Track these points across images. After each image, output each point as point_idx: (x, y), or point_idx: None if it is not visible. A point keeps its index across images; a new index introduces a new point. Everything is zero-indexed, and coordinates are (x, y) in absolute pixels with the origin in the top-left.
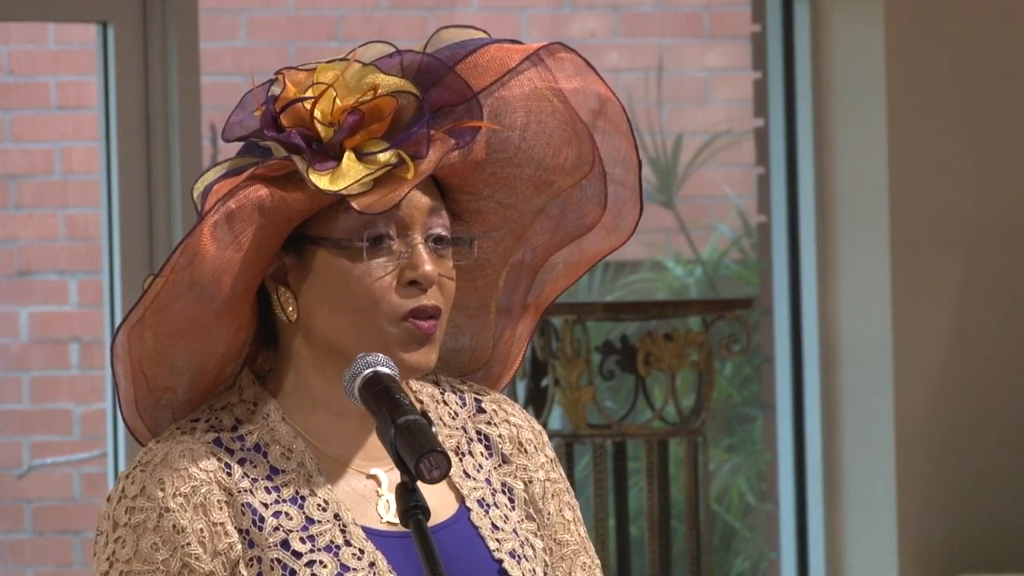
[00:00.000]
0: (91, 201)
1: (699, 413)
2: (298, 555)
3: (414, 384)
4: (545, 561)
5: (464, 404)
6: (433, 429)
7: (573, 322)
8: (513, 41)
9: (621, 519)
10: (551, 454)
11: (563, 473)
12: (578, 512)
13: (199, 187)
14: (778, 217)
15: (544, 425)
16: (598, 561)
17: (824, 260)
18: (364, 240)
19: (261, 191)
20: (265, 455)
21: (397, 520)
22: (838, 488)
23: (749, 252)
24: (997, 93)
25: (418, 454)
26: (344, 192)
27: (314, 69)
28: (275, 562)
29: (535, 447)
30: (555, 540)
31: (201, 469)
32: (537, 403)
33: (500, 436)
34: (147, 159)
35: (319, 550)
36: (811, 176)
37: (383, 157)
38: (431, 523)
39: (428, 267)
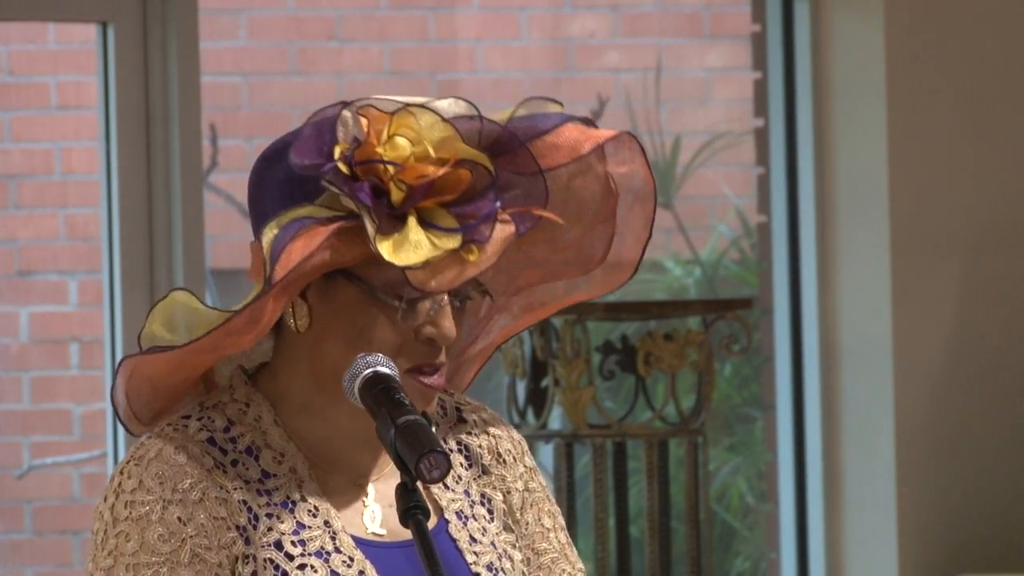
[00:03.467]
0: (91, 201)
1: (699, 413)
2: (290, 557)
3: None
4: (524, 572)
5: (445, 414)
6: (432, 429)
7: (573, 322)
8: (587, 121)
9: (621, 519)
10: (531, 463)
11: (543, 482)
12: (559, 520)
13: (271, 233)
14: (778, 217)
15: (544, 425)
16: (581, 566)
17: (824, 260)
18: (402, 302)
19: (325, 255)
20: (257, 458)
21: (383, 531)
22: (838, 488)
23: (748, 252)
24: (997, 93)
25: (418, 454)
26: (404, 265)
27: (392, 112)
28: (268, 562)
29: (514, 457)
30: (533, 550)
31: (197, 467)
32: (537, 403)
33: (480, 447)
34: (147, 159)
35: (310, 555)
36: (811, 176)
37: (449, 243)
38: (408, 535)
39: (452, 333)
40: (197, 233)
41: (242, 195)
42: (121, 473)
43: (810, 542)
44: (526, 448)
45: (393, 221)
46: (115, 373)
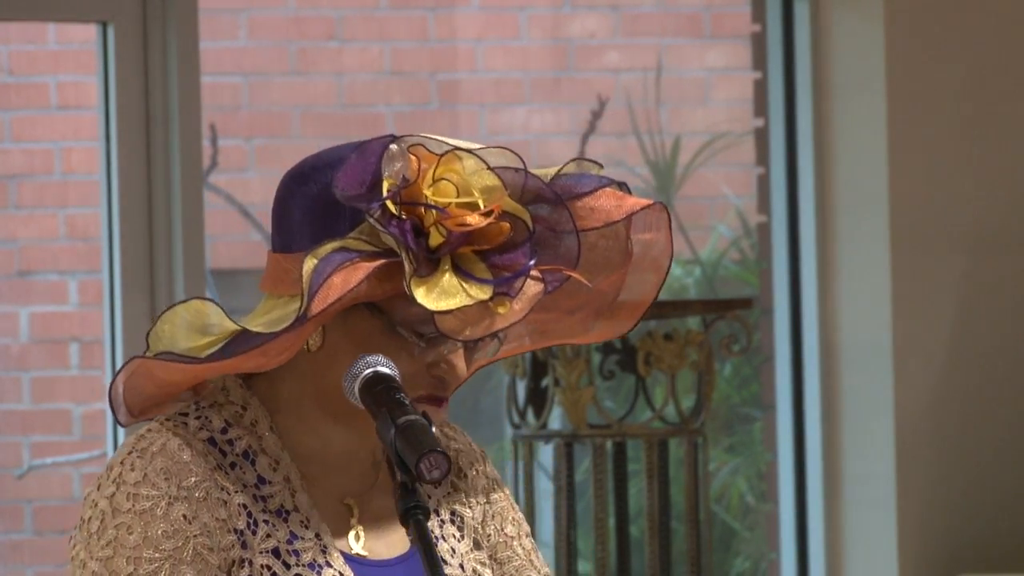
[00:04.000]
0: (91, 201)
1: (699, 413)
2: (287, 566)
3: None
4: None
5: None
6: (432, 429)
7: None
8: (622, 186)
9: (621, 519)
10: (492, 474)
11: (507, 492)
12: (524, 527)
13: (311, 263)
14: (778, 217)
15: (544, 425)
16: (547, 571)
17: (824, 260)
18: (422, 341)
19: (361, 287)
20: (253, 463)
21: (365, 552)
22: (838, 488)
23: (748, 252)
24: (997, 93)
25: (418, 454)
26: (435, 310)
27: (440, 154)
28: (265, 568)
29: (476, 471)
30: (496, 559)
31: (200, 466)
32: (537, 403)
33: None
34: (147, 159)
35: (303, 566)
36: (811, 176)
37: (481, 294)
38: (389, 555)
39: (464, 373)
40: (197, 233)
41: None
42: (122, 464)
43: (810, 542)
44: (487, 459)
45: (428, 264)
46: (122, 368)
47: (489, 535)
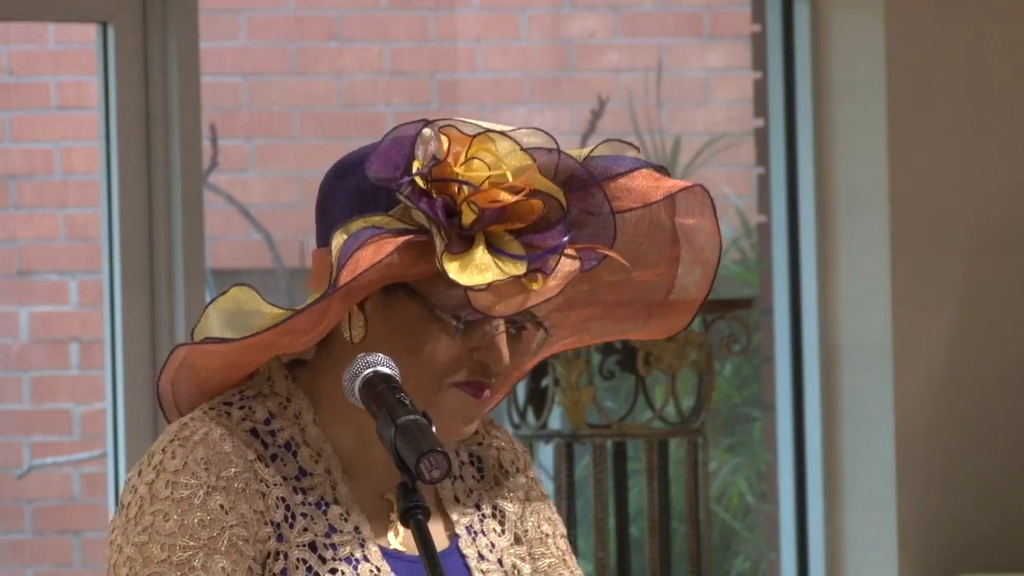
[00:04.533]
0: (91, 201)
1: (699, 413)
2: (323, 560)
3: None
4: None
5: None
6: (433, 429)
7: None
8: (661, 168)
9: (621, 519)
10: (532, 474)
11: (544, 491)
12: (560, 527)
13: (341, 237)
14: (778, 217)
15: (544, 425)
16: (580, 573)
17: (824, 260)
18: (460, 323)
19: (392, 265)
20: (295, 455)
21: (403, 548)
22: (838, 488)
23: (748, 252)
24: (997, 93)
25: (418, 454)
26: (468, 285)
27: (473, 135)
28: (300, 562)
29: (516, 468)
30: (531, 556)
31: (241, 457)
32: (537, 403)
33: (491, 457)
34: (147, 159)
35: (340, 559)
36: (811, 176)
37: (514, 269)
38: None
39: (506, 360)
40: (197, 233)
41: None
42: (163, 451)
43: (810, 542)
44: (529, 460)
45: (461, 241)
46: (165, 362)
47: (527, 530)
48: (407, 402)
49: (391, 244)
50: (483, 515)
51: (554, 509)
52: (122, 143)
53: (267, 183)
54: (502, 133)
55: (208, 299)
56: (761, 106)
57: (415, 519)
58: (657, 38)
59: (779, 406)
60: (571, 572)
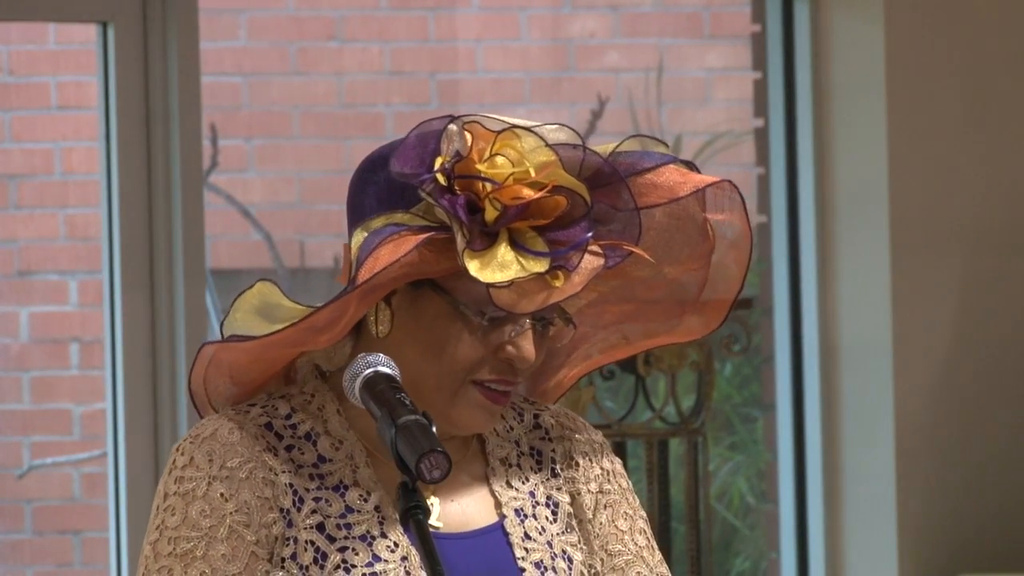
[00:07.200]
0: (91, 201)
1: (699, 413)
2: (332, 539)
3: None
4: (583, 573)
5: (521, 420)
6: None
7: None
8: (689, 164)
9: None
10: (609, 466)
11: (623, 484)
12: (639, 522)
13: (361, 236)
14: (778, 217)
15: None
16: (662, 570)
17: (824, 260)
18: (485, 319)
19: (412, 262)
20: (315, 443)
21: (440, 524)
22: (838, 488)
23: None
24: (997, 93)
25: (418, 454)
26: (490, 282)
27: (498, 131)
28: (308, 544)
29: (590, 460)
30: (607, 551)
31: (247, 447)
32: None
33: (553, 451)
34: (147, 159)
35: (354, 538)
36: (811, 176)
37: (537, 266)
38: (465, 528)
39: (532, 356)
40: (197, 233)
41: (242, 195)
42: (177, 451)
43: (810, 542)
44: (607, 451)
45: (484, 238)
46: (194, 359)
47: (600, 523)
48: (407, 402)
49: (410, 242)
50: (536, 502)
51: (635, 502)
52: (122, 143)
53: (267, 183)
54: (527, 129)
55: (208, 299)
56: (761, 106)
57: (415, 519)
58: (657, 38)
59: (779, 406)
60: (650, 569)
